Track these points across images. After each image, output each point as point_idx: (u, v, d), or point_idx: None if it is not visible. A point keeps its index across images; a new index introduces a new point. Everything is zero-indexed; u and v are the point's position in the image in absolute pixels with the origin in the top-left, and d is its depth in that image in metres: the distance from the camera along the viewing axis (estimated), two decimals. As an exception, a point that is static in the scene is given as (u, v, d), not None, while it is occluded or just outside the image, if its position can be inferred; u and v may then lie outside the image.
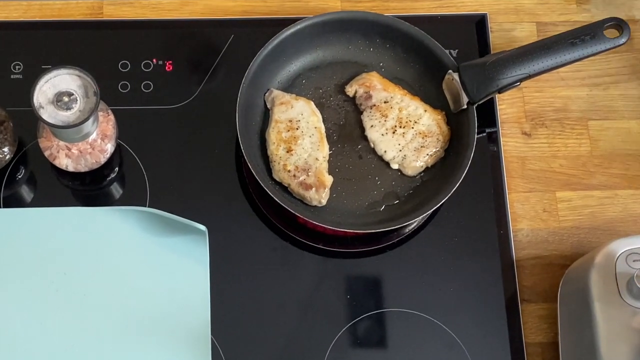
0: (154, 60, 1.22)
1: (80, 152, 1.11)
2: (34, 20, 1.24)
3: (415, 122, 1.17)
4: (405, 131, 1.17)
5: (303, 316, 1.13)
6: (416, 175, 1.18)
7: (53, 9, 1.25)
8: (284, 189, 1.16)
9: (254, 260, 1.15)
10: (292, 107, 1.17)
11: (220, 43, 1.23)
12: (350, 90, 1.20)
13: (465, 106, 1.15)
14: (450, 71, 1.16)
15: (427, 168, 1.18)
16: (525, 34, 1.27)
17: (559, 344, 1.12)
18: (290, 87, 1.21)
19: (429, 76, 1.20)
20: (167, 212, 1.12)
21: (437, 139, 1.17)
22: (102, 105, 1.11)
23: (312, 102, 1.18)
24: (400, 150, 1.17)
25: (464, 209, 1.18)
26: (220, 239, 1.14)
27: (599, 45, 1.12)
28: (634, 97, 1.25)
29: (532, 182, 1.21)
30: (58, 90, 1.03)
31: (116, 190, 1.18)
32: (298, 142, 1.15)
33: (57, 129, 1.04)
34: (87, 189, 1.18)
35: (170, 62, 1.22)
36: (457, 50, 1.24)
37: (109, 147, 1.12)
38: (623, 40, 1.13)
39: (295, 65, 1.21)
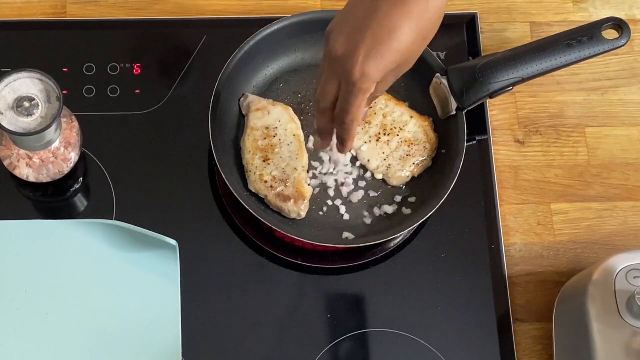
0: (121, 63, 1.22)
1: (42, 161, 1.10)
2: (-8, 20, 1.25)
3: (401, 129, 1.16)
4: (390, 139, 1.16)
5: (280, 337, 1.12)
6: (402, 186, 1.17)
7: (13, 8, 1.24)
8: (261, 200, 1.15)
9: (228, 277, 1.14)
10: (269, 113, 1.16)
11: (192, 44, 1.23)
12: (331, 95, 1.18)
13: (454, 112, 1.15)
14: (438, 75, 1.16)
15: (413, 178, 1.17)
16: (519, 34, 1.27)
17: (554, 367, 1.12)
18: (267, 91, 1.20)
19: (415, 80, 1.18)
20: (136, 225, 1.11)
21: (424, 147, 1.16)
22: (66, 111, 1.10)
23: (291, 108, 1.18)
24: (385, 160, 1.16)
25: (452, 222, 1.17)
26: (192, 254, 1.14)
27: (598, 47, 1.12)
28: (634, 103, 1.25)
29: (526, 193, 1.20)
30: (18, 95, 1.03)
31: (81, 202, 1.17)
32: (275, 151, 1.14)
33: (18, 137, 1.03)
34: (50, 200, 1.17)
35: (139, 65, 1.22)
36: (445, 53, 1.23)
37: (73, 156, 1.11)
38: (623, 41, 1.13)
39: (272, 69, 1.20)
